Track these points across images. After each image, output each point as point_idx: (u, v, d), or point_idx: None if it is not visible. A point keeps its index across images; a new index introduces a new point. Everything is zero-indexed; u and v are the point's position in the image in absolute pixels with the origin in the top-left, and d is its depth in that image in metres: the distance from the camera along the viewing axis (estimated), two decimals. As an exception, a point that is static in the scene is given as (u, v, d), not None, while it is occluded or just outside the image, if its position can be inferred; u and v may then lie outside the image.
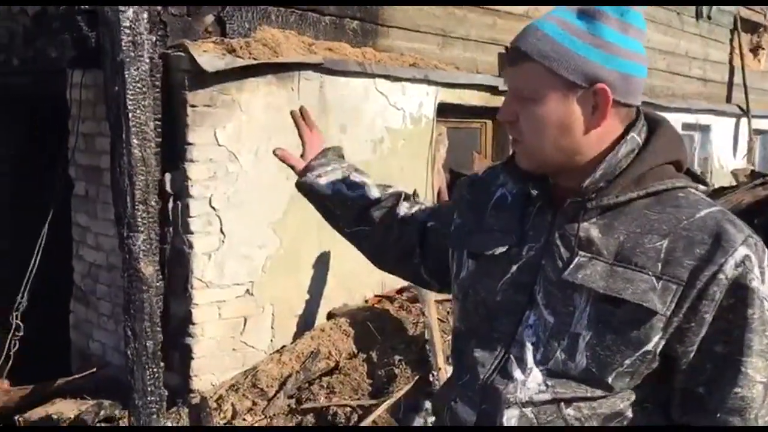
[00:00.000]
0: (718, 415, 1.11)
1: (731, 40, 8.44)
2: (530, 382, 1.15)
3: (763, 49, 9.11)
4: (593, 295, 1.12)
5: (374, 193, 1.59)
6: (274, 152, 1.69)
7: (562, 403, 1.14)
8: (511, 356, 1.18)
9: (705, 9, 7.88)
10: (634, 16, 1.14)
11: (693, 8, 7.74)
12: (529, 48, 1.13)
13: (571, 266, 1.14)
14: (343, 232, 1.64)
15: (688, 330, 1.10)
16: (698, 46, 7.90)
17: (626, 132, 1.18)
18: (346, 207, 1.59)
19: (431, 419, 3.55)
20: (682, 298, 1.09)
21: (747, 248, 1.09)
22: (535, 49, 1.13)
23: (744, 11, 8.50)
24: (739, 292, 1.08)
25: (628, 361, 1.11)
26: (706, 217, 1.12)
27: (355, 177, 1.62)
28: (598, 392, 1.13)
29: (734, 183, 7.23)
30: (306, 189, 1.64)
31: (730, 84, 8.49)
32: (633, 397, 1.15)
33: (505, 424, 1.15)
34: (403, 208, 1.56)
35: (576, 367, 1.13)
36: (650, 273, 1.10)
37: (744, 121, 8.54)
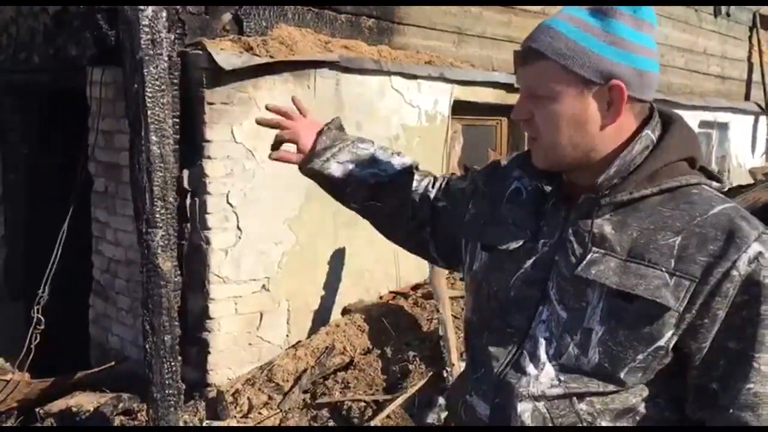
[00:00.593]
0: (731, 410, 1.11)
1: (750, 38, 8.36)
2: (543, 376, 1.16)
3: (783, 46, 9.01)
4: (606, 290, 1.13)
5: (384, 168, 1.58)
6: (269, 157, 1.67)
7: (575, 398, 1.15)
8: (525, 351, 1.19)
9: (723, 6, 7.81)
10: (646, 13, 1.16)
11: (711, 5, 7.68)
12: (543, 46, 1.14)
13: (585, 262, 1.15)
14: (350, 206, 1.63)
15: (701, 326, 1.11)
16: (716, 44, 7.84)
17: (640, 129, 1.19)
18: (357, 186, 1.58)
19: (444, 414, 3.57)
20: (695, 295, 1.09)
21: (760, 245, 1.09)
22: (549, 48, 1.13)
23: (763, 8, 8.41)
24: (752, 288, 1.09)
25: (640, 357, 1.12)
26: (719, 213, 1.12)
27: (362, 151, 1.60)
28: (611, 387, 1.14)
29: (752, 181, 7.17)
30: (311, 173, 1.62)
31: (749, 81, 8.42)
32: (645, 393, 1.16)
33: (519, 418, 1.16)
34: (415, 183, 1.56)
35: (589, 362, 1.14)
36: (663, 269, 1.10)
37: (763, 119, 8.46)
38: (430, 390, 3.74)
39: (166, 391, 3.45)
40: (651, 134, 1.18)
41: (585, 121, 1.16)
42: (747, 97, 8.41)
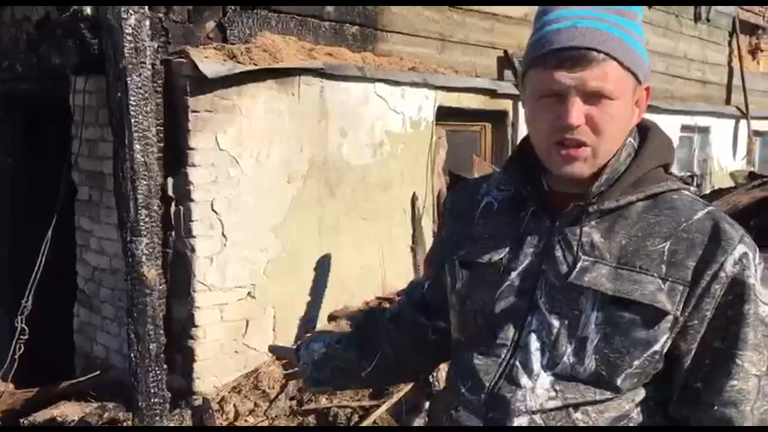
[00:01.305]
0: (716, 407, 1.13)
1: (730, 42, 8.46)
2: (538, 388, 1.15)
3: (762, 50, 9.13)
4: (600, 297, 1.13)
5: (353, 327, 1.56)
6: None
7: (571, 408, 1.14)
8: (517, 362, 1.17)
9: (703, 11, 7.90)
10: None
11: (691, 11, 7.76)
12: (608, 48, 1.11)
13: (576, 269, 1.15)
14: (362, 380, 1.54)
15: (691, 328, 1.12)
16: (697, 48, 7.93)
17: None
18: (348, 358, 1.52)
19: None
20: (689, 298, 1.11)
21: (744, 246, 1.12)
22: (615, 49, 1.11)
23: (742, 13, 8.52)
24: (737, 288, 1.11)
25: (636, 362, 1.12)
26: (703, 218, 1.14)
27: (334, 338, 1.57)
28: (607, 394, 1.14)
29: (733, 185, 7.26)
30: (312, 376, 1.56)
31: (729, 86, 8.52)
32: (638, 398, 1.16)
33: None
34: (389, 313, 1.52)
35: (585, 370, 1.13)
36: (655, 275, 1.12)
37: (743, 122, 8.56)
38: (416, 395, 3.75)
39: (152, 400, 3.44)
40: (633, 141, 1.20)
41: (628, 123, 1.17)
42: (728, 101, 8.50)
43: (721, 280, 1.11)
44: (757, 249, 1.15)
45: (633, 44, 1.14)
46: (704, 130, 8.08)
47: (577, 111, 1.11)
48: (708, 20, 8.03)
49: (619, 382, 1.13)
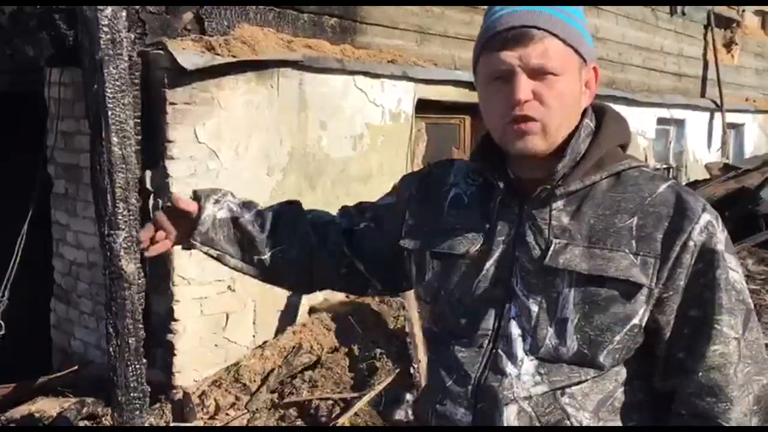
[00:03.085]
0: (700, 373, 1.15)
1: (705, 36, 8.56)
2: (523, 374, 1.16)
3: (736, 44, 9.24)
4: (576, 277, 1.15)
5: (272, 209, 1.49)
6: (147, 255, 1.53)
7: (558, 392, 1.16)
8: (500, 351, 1.19)
9: (679, 5, 7.99)
10: None
11: (667, 5, 7.84)
12: (548, 26, 1.14)
13: (550, 252, 1.17)
14: (252, 263, 1.48)
15: (667, 299, 1.15)
16: (673, 42, 8.01)
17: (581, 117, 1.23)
18: (252, 234, 1.46)
19: (411, 411, 3.60)
20: (661, 270, 1.14)
21: (708, 214, 1.16)
22: (553, 26, 1.14)
23: (717, 7, 8.62)
24: (707, 255, 1.15)
25: (617, 338, 1.15)
26: (665, 191, 1.18)
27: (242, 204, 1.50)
28: (591, 373, 1.16)
29: (708, 176, 7.35)
30: (203, 233, 1.47)
31: (704, 79, 8.62)
32: (621, 377, 1.19)
33: (505, 422, 1.16)
34: (312, 217, 1.49)
35: (568, 351, 1.15)
36: (626, 251, 1.14)
37: (718, 115, 8.67)
38: (398, 387, 3.76)
39: (131, 395, 3.41)
40: (590, 123, 1.23)
41: (578, 101, 1.20)
42: (703, 94, 8.61)
43: (690, 249, 1.14)
44: (719, 217, 1.19)
45: (573, 24, 1.17)
46: (680, 123, 8.17)
47: (524, 87, 1.14)
48: (684, 14, 8.12)
49: (601, 359, 1.16)
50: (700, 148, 8.55)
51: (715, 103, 8.60)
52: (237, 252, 1.48)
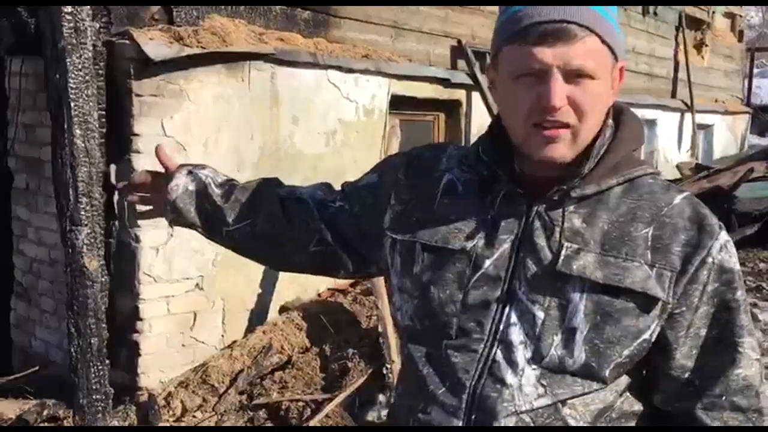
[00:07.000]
0: (724, 397, 1.11)
1: (676, 37, 8.65)
2: (525, 385, 1.08)
3: (707, 45, 9.36)
4: (589, 286, 1.07)
5: (246, 184, 1.43)
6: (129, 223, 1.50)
7: (559, 404, 1.09)
8: (498, 358, 1.10)
9: (651, 6, 8.05)
10: None
11: (639, 5, 7.89)
12: (591, 23, 1.04)
13: (562, 257, 1.08)
14: (221, 236, 1.42)
15: (679, 315, 1.10)
16: (644, 42, 8.06)
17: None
18: (220, 205, 1.40)
19: (384, 412, 3.54)
20: (677, 285, 1.08)
21: (725, 233, 1.12)
22: (596, 24, 1.04)
23: (689, 8, 8.71)
24: (725, 275, 1.10)
25: (626, 352, 1.09)
26: (682, 203, 1.12)
27: (218, 176, 1.44)
28: (594, 386, 1.10)
29: (679, 176, 7.42)
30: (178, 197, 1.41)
31: (675, 79, 8.71)
32: (620, 388, 1.13)
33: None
34: (284, 191, 1.41)
35: (574, 362, 1.08)
36: (642, 261, 1.08)
37: (688, 116, 8.77)
38: (371, 388, 3.70)
39: (93, 396, 3.31)
40: (612, 124, 1.16)
41: (608, 103, 1.12)
42: (673, 95, 8.69)
43: (708, 266, 1.09)
44: None
45: (610, 20, 1.08)
46: (651, 123, 8.24)
47: (560, 91, 1.04)
48: (655, 14, 8.18)
49: (606, 372, 1.09)
50: (671, 149, 8.63)
51: (685, 103, 8.69)
52: (205, 223, 1.43)
